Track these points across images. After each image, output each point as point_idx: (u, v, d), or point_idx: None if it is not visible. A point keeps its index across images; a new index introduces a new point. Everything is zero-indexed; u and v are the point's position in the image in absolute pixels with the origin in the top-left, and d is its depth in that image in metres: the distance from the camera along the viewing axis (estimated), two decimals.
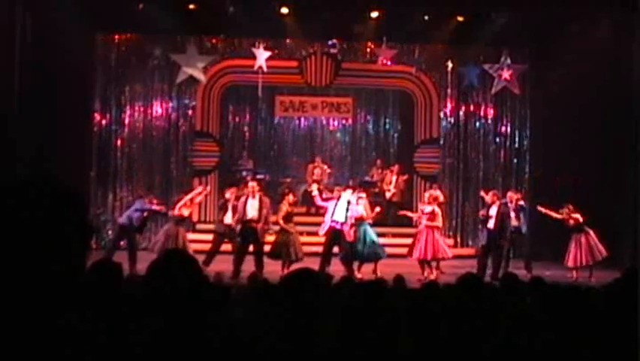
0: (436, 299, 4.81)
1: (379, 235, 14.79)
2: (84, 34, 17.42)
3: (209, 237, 15.04)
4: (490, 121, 19.86)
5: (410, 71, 19.31)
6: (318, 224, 14.46)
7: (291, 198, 14.36)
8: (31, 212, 1.68)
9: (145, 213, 14.39)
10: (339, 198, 14.05)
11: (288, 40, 19.09)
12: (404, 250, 14.53)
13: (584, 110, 16.63)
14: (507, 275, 7.10)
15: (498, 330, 3.74)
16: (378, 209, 14.59)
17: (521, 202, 14.94)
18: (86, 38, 17.76)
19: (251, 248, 13.78)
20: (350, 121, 21.14)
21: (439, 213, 14.32)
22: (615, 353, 3.63)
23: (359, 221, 13.88)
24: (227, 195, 14.48)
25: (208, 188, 16.63)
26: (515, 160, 19.82)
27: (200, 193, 15.37)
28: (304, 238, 14.61)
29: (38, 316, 1.63)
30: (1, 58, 14.26)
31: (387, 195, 19.11)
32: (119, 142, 19.06)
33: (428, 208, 14.29)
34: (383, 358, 2.92)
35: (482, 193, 15.55)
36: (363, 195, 14.60)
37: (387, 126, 21.37)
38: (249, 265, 13.34)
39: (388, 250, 14.47)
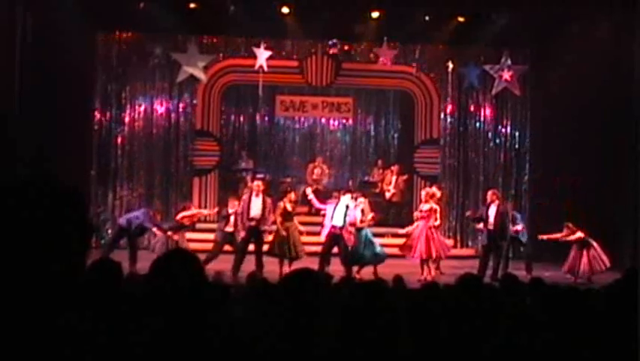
0: (436, 299, 4.81)
1: (379, 235, 14.79)
2: (85, 33, 17.42)
3: (210, 236, 15.05)
4: (490, 122, 19.85)
5: (410, 72, 19.32)
6: (319, 224, 14.49)
7: (292, 196, 14.38)
8: (31, 212, 1.68)
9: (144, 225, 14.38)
10: (338, 202, 14.06)
11: (288, 40, 19.07)
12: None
13: (584, 111, 16.62)
14: (507, 276, 7.11)
15: (498, 330, 3.74)
16: (371, 215, 14.51)
17: (513, 212, 14.89)
18: (86, 37, 17.75)
19: (251, 247, 13.78)
20: (350, 121, 21.15)
21: (438, 209, 14.30)
22: (615, 353, 3.63)
23: (359, 226, 13.89)
24: (230, 210, 14.38)
25: (215, 209, 16.43)
26: (515, 161, 19.81)
27: (203, 215, 15.23)
28: (305, 238, 14.60)
29: (38, 315, 1.63)
30: (1, 57, 14.26)
31: (387, 195, 19.12)
32: (119, 141, 19.05)
33: (426, 206, 14.29)
34: (383, 358, 2.92)
35: (468, 213, 15.31)
36: (362, 199, 14.57)
37: (388, 126, 21.37)
38: (248, 265, 13.35)
39: (388, 250, 14.48)
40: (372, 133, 21.35)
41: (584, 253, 13.95)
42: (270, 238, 14.15)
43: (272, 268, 13.01)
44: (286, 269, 13.11)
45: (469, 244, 19.07)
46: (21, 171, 13.77)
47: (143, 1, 16.93)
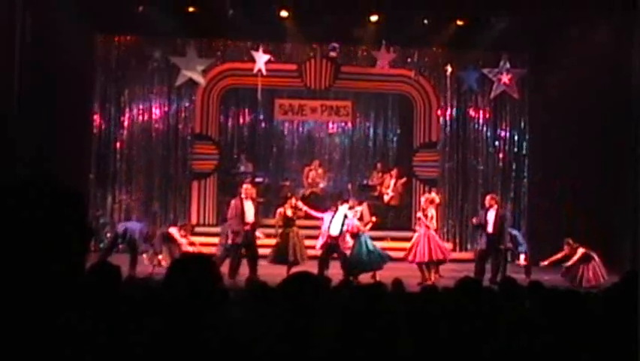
0: (435, 303, 4.81)
1: (378, 239, 14.78)
2: (84, 35, 17.42)
3: (207, 240, 15.05)
4: (489, 125, 19.87)
5: (409, 75, 19.34)
6: (318, 227, 14.46)
7: (293, 201, 14.37)
8: (31, 212, 1.67)
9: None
10: (335, 211, 14.05)
11: (287, 44, 19.07)
12: (403, 254, 14.55)
13: (583, 115, 16.63)
14: (506, 279, 7.11)
15: (497, 334, 3.74)
16: (373, 218, 14.55)
17: (514, 232, 14.89)
18: (85, 40, 17.76)
19: (243, 251, 13.73)
20: (349, 124, 21.14)
21: (434, 215, 14.33)
22: (614, 357, 3.63)
23: (361, 231, 13.90)
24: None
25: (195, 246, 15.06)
26: (514, 164, 19.82)
27: (190, 244, 14.89)
28: (305, 243, 14.56)
29: (38, 316, 1.62)
30: (0, 58, 14.25)
31: (386, 198, 19.12)
32: (118, 144, 19.05)
33: (427, 213, 14.33)
34: (383, 360, 2.92)
35: (474, 220, 15.25)
36: (359, 207, 14.59)
37: (387, 130, 21.36)
38: (244, 269, 13.38)
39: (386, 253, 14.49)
40: (371, 136, 21.33)
41: (588, 266, 13.89)
42: (271, 241, 14.15)
43: (270, 271, 12.97)
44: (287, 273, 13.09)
45: (468, 247, 19.06)
46: (21, 171, 13.76)
47: (142, 4, 16.93)
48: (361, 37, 18.30)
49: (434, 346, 3.59)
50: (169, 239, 14.38)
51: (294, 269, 12.96)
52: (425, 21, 17.60)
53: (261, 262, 13.74)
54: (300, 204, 14.49)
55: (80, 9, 16.15)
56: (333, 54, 19.13)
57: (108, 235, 17.77)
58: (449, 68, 19.12)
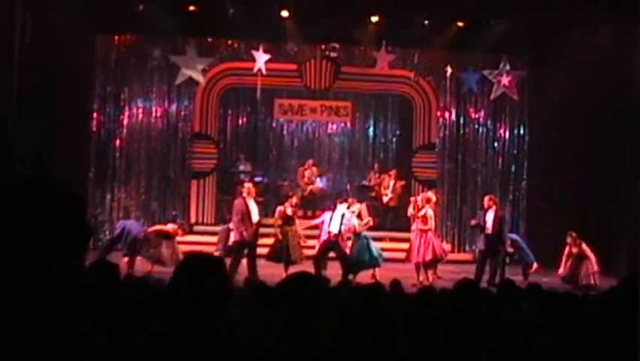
0: (433, 304, 4.81)
1: (377, 239, 14.81)
2: (84, 34, 17.40)
3: (206, 239, 15.04)
4: (488, 127, 19.87)
5: (409, 76, 19.35)
6: (317, 227, 14.45)
7: (294, 200, 14.38)
8: (30, 212, 1.67)
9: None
10: (334, 210, 14.08)
11: (287, 44, 19.06)
12: (401, 255, 14.58)
13: (583, 117, 16.64)
14: (504, 281, 7.11)
15: (494, 335, 3.74)
16: (368, 219, 14.59)
17: (515, 237, 14.98)
18: (85, 39, 17.74)
19: (245, 251, 13.73)
20: (349, 125, 21.15)
21: (432, 216, 14.34)
22: (612, 359, 3.63)
23: (358, 230, 13.94)
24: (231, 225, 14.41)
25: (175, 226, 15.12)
26: (513, 166, 19.82)
27: (175, 230, 14.84)
28: (304, 243, 14.56)
29: (38, 315, 1.62)
30: (0, 57, 14.25)
31: (385, 199, 19.13)
32: (117, 143, 19.04)
33: (421, 212, 14.32)
34: None
35: (474, 222, 15.25)
36: (358, 205, 14.65)
37: (386, 131, 21.37)
38: (242, 269, 13.39)
39: (386, 254, 14.50)
40: (371, 137, 21.34)
41: (582, 264, 13.93)
42: (268, 241, 14.16)
43: (269, 271, 12.97)
44: (284, 273, 13.09)
45: (467, 248, 19.07)
46: (20, 171, 13.76)
47: (143, 3, 16.93)
48: (361, 37, 18.30)
49: (432, 348, 3.59)
50: (164, 236, 14.31)
51: (293, 269, 12.99)
52: (425, 22, 17.61)
53: (260, 262, 13.73)
54: (289, 210, 14.34)
55: (80, 8, 16.14)
56: (333, 54, 19.13)
57: (107, 233, 17.78)
58: (449, 70, 19.12)
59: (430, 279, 13.86)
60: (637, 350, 3.42)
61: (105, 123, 19.00)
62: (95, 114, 18.84)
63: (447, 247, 16.88)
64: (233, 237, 13.93)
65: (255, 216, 13.73)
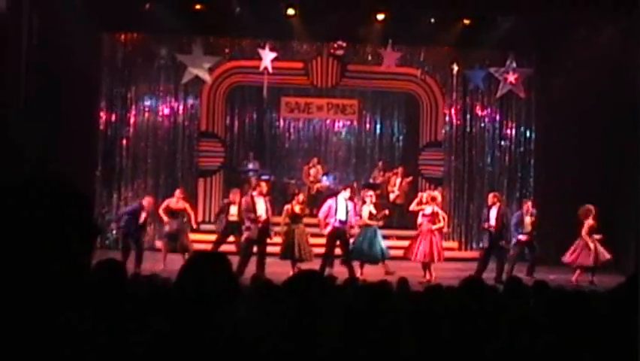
0: (439, 302, 4.81)
1: (384, 237, 14.82)
2: (90, 34, 17.44)
3: (213, 237, 15.05)
4: (495, 124, 19.85)
5: (415, 74, 19.33)
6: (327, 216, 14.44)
7: (301, 198, 14.39)
8: (31, 212, 1.67)
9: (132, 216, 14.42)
10: (336, 199, 14.11)
11: (294, 42, 19.07)
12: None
13: (589, 115, 16.62)
14: (511, 279, 7.11)
15: (500, 333, 3.74)
16: (387, 212, 14.65)
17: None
18: (92, 38, 17.78)
19: (254, 249, 13.75)
20: (355, 123, 21.15)
21: (440, 212, 14.35)
22: (617, 357, 3.63)
23: (370, 223, 14.02)
24: (231, 195, 14.62)
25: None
26: (520, 164, 19.80)
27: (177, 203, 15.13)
28: (312, 240, 14.58)
29: (38, 315, 1.63)
30: (7, 58, 14.29)
31: (392, 196, 19.12)
32: (124, 142, 19.06)
33: (428, 210, 14.33)
34: (386, 359, 2.93)
35: (485, 225, 15.22)
36: (371, 192, 14.78)
37: (393, 128, 21.37)
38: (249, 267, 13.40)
39: (392, 252, 14.54)
40: (377, 135, 21.34)
41: (593, 243, 14.05)
42: (277, 239, 14.18)
43: (276, 269, 12.97)
44: (292, 271, 13.10)
45: (473, 246, 19.05)
46: (27, 170, 13.80)
47: (149, 2, 16.96)
48: (368, 35, 18.29)
49: (437, 345, 3.59)
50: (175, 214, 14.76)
51: (300, 266, 13.03)
52: (432, 20, 17.60)
53: (269, 260, 13.75)
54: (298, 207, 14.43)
55: (86, 8, 16.19)
56: (339, 52, 19.13)
57: (114, 232, 17.83)
58: (455, 67, 19.10)
59: (433, 277, 13.86)
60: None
61: (112, 122, 19.03)
62: (101, 113, 18.87)
63: (454, 244, 16.89)
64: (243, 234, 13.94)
65: (262, 215, 13.72)
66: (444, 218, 14.45)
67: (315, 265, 12.81)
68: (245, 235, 13.77)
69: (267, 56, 17.72)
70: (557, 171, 18.11)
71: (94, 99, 18.47)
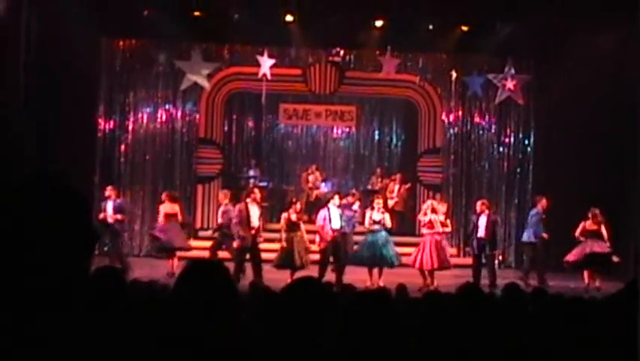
0: (439, 309, 4.81)
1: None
2: (89, 39, 17.43)
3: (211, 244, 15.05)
4: (493, 131, 19.86)
5: (414, 80, 19.35)
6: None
7: (298, 206, 14.39)
8: (28, 214, 1.67)
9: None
10: (328, 208, 14.13)
11: (292, 48, 19.09)
12: (408, 259, 14.60)
13: (587, 121, 16.64)
14: (509, 285, 7.09)
15: (498, 339, 3.73)
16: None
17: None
18: (91, 43, 17.76)
19: (247, 256, 13.72)
20: (354, 129, 21.17)
21: (437, 220, 14.37)
22: None
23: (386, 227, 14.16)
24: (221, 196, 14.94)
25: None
26: (518, 170, 19.80)
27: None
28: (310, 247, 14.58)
29: (36, 317, 1.62)
30: (6, 62, 14.30)
31: (390, 203, 19.12)
32: (122, 148, 19.05)
33: (426, 217, 14.41)
34: None
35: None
36: (380, 201, 14.81)
37: (391, 135, 21.39)
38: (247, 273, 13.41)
39: None
40: (376, 141, 21.36)
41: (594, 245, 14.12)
42: (275, 246, 14.18)
43: (274, 276, 12.95)
44: (290, 279, 13.09)
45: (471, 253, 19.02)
46: (26, 174, 13.78)
47: (148, 8, 16.97)
48: (366, 42, 18.31)
49: (436, 351, 3.59)
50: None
51: (298, 274, 13.00)
52: (430, 26, 17.64)
53: (266, 267, 13.73)
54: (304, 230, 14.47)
55: (86, 13, 16.17)
56: (337, 59, 19.16)
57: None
58: (454, 74, 19.14)
59: (435, 284, 13.86)
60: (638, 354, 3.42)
61: (110, 128, 19.01)
62: (100, 119, 18.86)
63: (452, 250, 16.90)
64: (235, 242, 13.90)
65: (255, 222, 13.70)
66: (442, 223, 14.44)
67: (313, 272, 12.80)
68: (236, 242, 13.71)
69: (266, 63, 17.73)
70: (556, 178, 18.10)
71: (92, 105, 18.45)
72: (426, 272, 14.11)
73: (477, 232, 14.40)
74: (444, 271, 14.54)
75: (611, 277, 13.81)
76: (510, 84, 18.04)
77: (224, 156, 19.77)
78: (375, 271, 14.09)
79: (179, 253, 14.72)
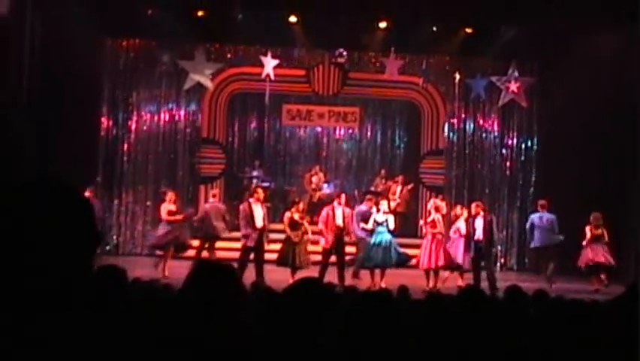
0: (440, 310, 4.81)
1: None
2: (92, 39, 17.46)
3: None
4: (496, 133, 19.86)
5: (417, 82, 19.35)
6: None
7: (300, 206, 14.41)
8: (31, 214, 1.67)
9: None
10: (333, 207, 14.17)
11: (296, 49, 19.10)
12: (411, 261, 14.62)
13: (590, 124, 16.62)
14: (511, 287, 7.09)
15: (499, 340, 3.73)
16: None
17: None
18: (94, 43, 17.79)
19: (251, 256, 13.72)
20: (357, 131, 21.16)
21: (440, 221, 14.39)
22: None
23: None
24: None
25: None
26: (521, 173, 19.80)
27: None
28: (312, 247, 14.57)
29: (36, 317, 1.62)
30: (10, 62, 14.31)
31: (392, 205, 19.10)
32: (125, 147, 19.07)
33: (430, 217, 14.43)
34: None
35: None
36: (385, 202, 14.84)
37: (394, 137, 21.38)
38: (248, 273, 13.38)
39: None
40: (379, 143, 21.35)
41: (598, 247, 14.15)
42: (276, 246, 14.18)
43: (275, 276, 12.95)
44: (292, 278, 13.09)
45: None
46: (28, 174, 13.79)
47: (151, 8, 16.99)
48: (370, 43, 18.33)
49: (438, 353, 3.59)
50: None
51: (299, 274, 13.00)
52: (434, 28, 17.64)
53: (268, 267, 13.73)
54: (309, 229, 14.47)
55: (89, 13, 16.20)
56: (340, 60, 19.16)
57: (114, 237, 17.87)
58: (457, 76, 19.15)
59: (438, 284, 13.88)
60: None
61: (113, 128, 19.03)
62: (103, 119, 18.88)
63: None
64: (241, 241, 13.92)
65: (260, 222, 13.69)
66: (439, 222, 14.43)
67: (314, 272, 12.81)
68: (242, 242, 13.73)
69: (269, 63, 17.75)
70: (559, 180, 18.08)
71: (95, 104, 18.48)
72: (431, 273, 14.10)
73: (473, 234, 14.36)
74: (449, 274, 14.53)
75: (612, 278, 13.82)
76: (513, 87, 18.04)
77: (226, 156, 19.78)
78: (377, 272, 14.08)
79: (176, 254, 14.72)
